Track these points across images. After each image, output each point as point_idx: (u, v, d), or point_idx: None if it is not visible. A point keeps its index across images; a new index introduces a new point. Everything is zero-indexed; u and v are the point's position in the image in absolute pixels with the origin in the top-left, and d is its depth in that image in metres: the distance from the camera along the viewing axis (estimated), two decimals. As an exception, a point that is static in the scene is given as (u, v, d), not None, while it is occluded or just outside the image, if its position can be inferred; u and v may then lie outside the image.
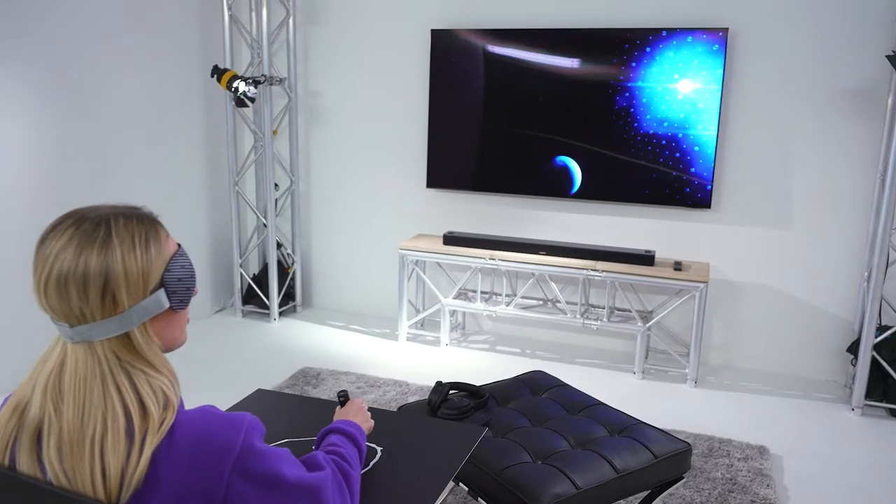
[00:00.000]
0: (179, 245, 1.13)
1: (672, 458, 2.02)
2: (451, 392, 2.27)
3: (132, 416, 1.00)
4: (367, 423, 1.53)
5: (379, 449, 1.60)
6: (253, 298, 4.47)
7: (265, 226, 4.38)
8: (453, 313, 4.27)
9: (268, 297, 4.37)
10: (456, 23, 4.01)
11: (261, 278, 4.47)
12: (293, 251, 4.55)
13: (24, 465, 1.02)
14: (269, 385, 3.40)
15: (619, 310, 3.96)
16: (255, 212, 4.52)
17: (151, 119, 3.91)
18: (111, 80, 3.63)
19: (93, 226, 1.02)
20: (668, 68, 3.63)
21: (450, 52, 3.97)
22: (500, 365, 3.80)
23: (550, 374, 2.53)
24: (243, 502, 1.03)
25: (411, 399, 3.27)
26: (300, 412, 1.83)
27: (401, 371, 3.66)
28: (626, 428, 2.13)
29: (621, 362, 3.89)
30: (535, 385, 2.43)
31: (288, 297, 4.55)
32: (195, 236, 4.34)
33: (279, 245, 4.51)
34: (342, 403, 1.60)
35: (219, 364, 3.72)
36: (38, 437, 1.02)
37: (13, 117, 3.18)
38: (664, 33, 3.61)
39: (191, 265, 1.11)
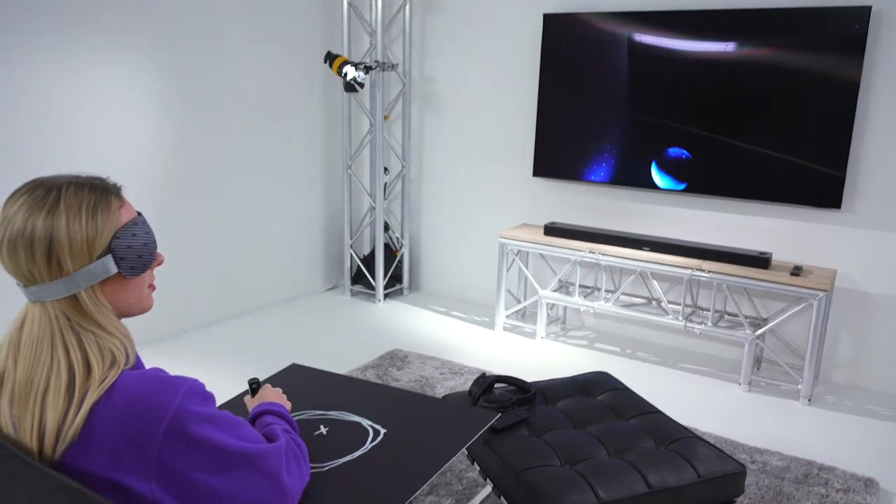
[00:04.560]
0: (140, 214, 1.17)
1: (719, 479, 1.83)
2: (498, 386, 2.21)
3: (75, 375, 1.05)
4: (287, 404, 1.48)
5: (382, 430, 1.58)
6: (362, 279, 4.60)
7: (374, 208, 4.48)
8: (552, 306, 4.15)
9: (374, 279, 4.48)
10: (569, 6, 3.86)
11: (370, 259, 4.59)
12: (402, 235, 4.62)
13: None
14: (355, 364, 3.48)
15: (729, 314, 3.66)
16: (367, 194, 4.64)
17: (272, 102, 4.11)
18: (235, 65, 3.86)
19: (44, 192, 1.07)
20: (800, 50, 3.28)
21: (561, 37, 3.83)
22: (594, 363, 3.64)
23: (614, 376, 2.39)
24: (181, 466, 1.04)
25: (490, 390, 3.22)
26: (326, 388, 1.85)
27: (488, 361, 3.61)
28: (676, 441, 1.96)
29: (728, 371, 3.60)
30: (592, 386, 2.30)
31: (396, 279, 4.64)
32: (310, 215, 4.53)
33: (387, 228, 4.60)
34: (254, 392, 1.50)
35: (317, 340, 3.86)
36: (2, 385, 1.10)
37: (139, 98, 3.46)
38: (796, 13, 3.26)
39: (146, 234, 1.15)
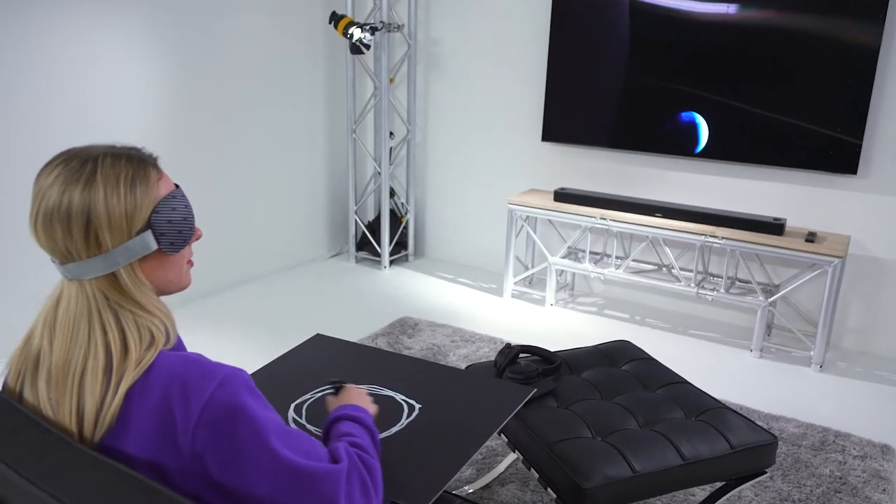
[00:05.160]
0: (177, 186, 1.11)
1: (752, 450, 1.82)
2: (522, 356, 2.18)
3: (113, 356, 1.00)
4: (371, 407, 1.35)
5: (417, 406, 1.55)
6: (366, 245, 4.55)
7: (380, 174, 4.41)
8: (562, 273, 4.12)
9: (380, 245, 4.42)
10: (581, -35, 3.76)
11: (375, 226, 4.53)
12: (407, 200, 4.56)
13: (28, 393, 1.06)
14: (366, 332, 3.45)
15: (741, 281, 3.64)
16: (372, 160, 4.56)
17: (273, 64, 4.00)
18: (234, 23, 3.74)
19: (80, 164, 1.01)
20: (818, 12, 3.20)
21: (572, -3, 3.73)
22: (605, 330, 3.63)
23: (637, 345, 2.36)
24: (214, 458, 0.97)
25: (503, 357, 3.20)
26: (354, 359, 1.81)
27: (499, 328, 3.59)
28: (706, 412, 1.94)
29: (739, 337, 3.59)
30: (616, 355, 2.27)
31: (401, 245, 4.59)
32: (314, 181, 4.46)
33: (393, 194, 4.53)
34: (336, 391, 1.42)
35: (325, 308, 3.82)
36: (38, 366, 1.05)
37: (134, 60, 3.35)
38: (815, -27, 3.18)
39: (185, 208, 1.09)
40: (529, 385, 2.00)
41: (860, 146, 3.23)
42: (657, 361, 2.24)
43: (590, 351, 2.29)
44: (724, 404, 1.99)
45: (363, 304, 3.89)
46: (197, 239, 1.15)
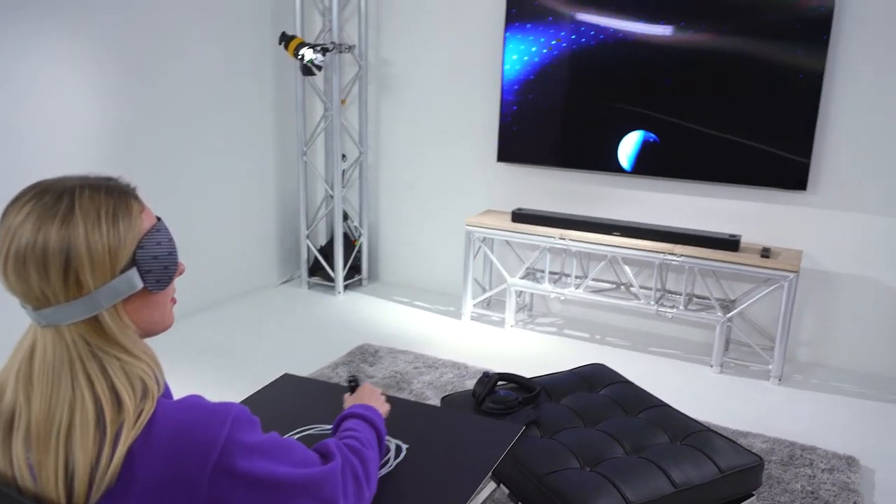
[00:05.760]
0: (159, 219, 1.02)
1: (741, 473, 1.80)
2: (500, 384, 2.12)
3: (104, 408, 0.91)
4: (383, 407, 1.43)
5: (405, 446, 1.48)
6: (319, 270, 4.43)
7: (332, 197, 4.31)
8: (520, 294, 4.09)
9: (333, 270, 4.31)
10: (532, -14, 3.77)
11: (327, 250, 4.42)
12: (360, 224, 4.47)
13: None
14: (325, 361, 3.34)
15: (698, 297, 3.68)
16: (323, 182, 4.46)
17: (220, 86, 3.87)
18: (180, 46, 3.61)
19: (54, 198, 0.91)
20: (763, 34, 3.29)
21: (526, 18, 3.74)
22: (566, 350, 3.61)
23: (611, 368, 2.34)
24: (233, 503, 0.94)
25: (468, 383, 3.14)
26: (326, 399, 1.72)
27: (461, 352, 3.52)
28: (691, 435, 1.92)
29: (698, 353, 3.62)
30: (593, 380, 2.24)
31: (354, 269, 4.48)
32: (263, 206, 4.32)
33: (346, 217, 4.43)
34: (352, 389, 1.52)
35: (279, 337, 3.69)
36: (12, 426, 0.94)
37: (79, 83, 3.19)
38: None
39: (170, 242, 1.01)
40: (511, 414, 1.94)
41: (808, 163, 3.32)
42: (634, 385, 2.22)
43: (566, 376, 2.25)
44: (706, 427, 1.97)
45: (319, 331, 3.77)
46: (180, 274, 1.06)
